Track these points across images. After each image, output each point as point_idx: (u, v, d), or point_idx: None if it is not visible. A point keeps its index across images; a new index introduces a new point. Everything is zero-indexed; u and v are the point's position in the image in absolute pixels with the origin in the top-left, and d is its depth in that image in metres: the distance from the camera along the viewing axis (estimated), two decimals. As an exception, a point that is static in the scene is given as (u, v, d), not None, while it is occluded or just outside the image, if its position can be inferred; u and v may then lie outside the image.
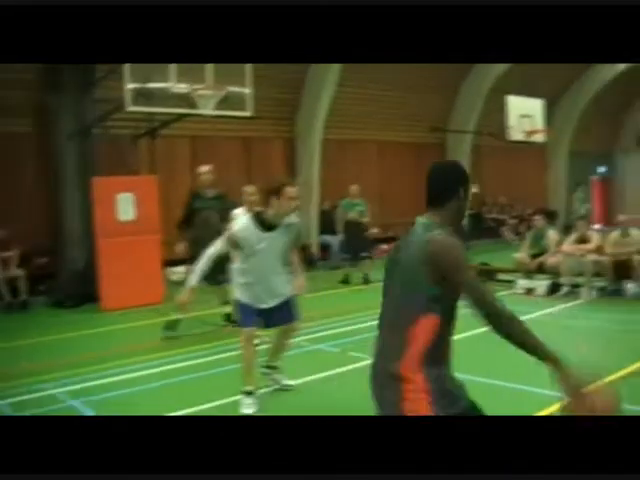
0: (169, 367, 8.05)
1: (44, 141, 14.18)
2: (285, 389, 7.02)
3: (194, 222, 10.08)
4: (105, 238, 12.62)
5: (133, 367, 8.05)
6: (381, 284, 3.35)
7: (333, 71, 17.71)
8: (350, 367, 7.76)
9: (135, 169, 14.50)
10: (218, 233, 8.62)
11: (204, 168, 10.53)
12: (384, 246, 20.60)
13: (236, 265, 6.63)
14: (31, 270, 13.83)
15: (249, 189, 8.87)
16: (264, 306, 6.50)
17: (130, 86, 12.00)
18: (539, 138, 20.29)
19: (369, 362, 3.36)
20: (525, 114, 19.59)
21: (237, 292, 6.61)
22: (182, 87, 12.47)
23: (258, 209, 6.64)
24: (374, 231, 15.87)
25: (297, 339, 8.69)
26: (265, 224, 6.24)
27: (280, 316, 6.66)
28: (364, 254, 14.84)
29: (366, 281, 14.44)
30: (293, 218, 6.43)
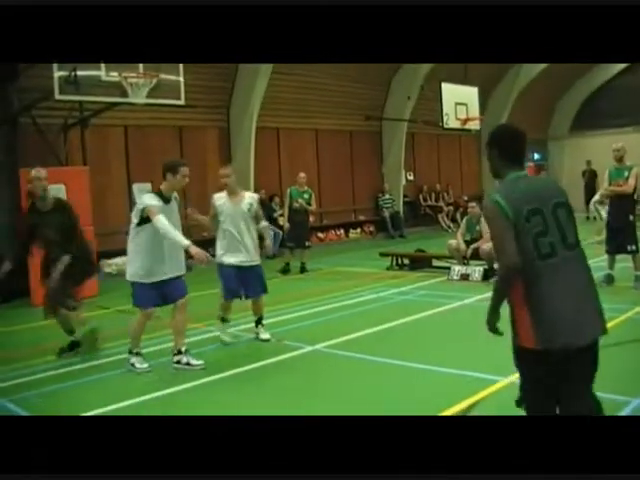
0: (103, 361, 7.91)
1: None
2: (194, 369, 7.31)
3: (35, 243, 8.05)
4: (35, 231, 12.29)
5: (65, 362, 7.87)
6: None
7: (267, 59, 17.53)
8: (286, 356, 7.73)
9: (65, 160, 14.18)
10: (62, 253, 7.78)
11: (39, 172, 7.87)
12: (320, 234, 20.65)
13: (135, 243, 7.21)
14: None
15: (226, 171, 8.52)
16: (158, 279, 7.15)
17: (58, 74, 11.73)
18: (474, 125, 20.48)
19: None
20: (460, 102, 19.74)
21: (131, 273, 7.23)
22: (113, 75, 12.25)
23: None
24: (311, 220, 15.81)
25: (233, 329, 8.63)
26: (163, 197, 7.15)
27: (175, 290, 7.31)
28: (307, 243, 14.76)
29: (303, 270, 14.38)
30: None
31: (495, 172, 3.89)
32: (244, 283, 8.22)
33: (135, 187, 16.67)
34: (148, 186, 16.75)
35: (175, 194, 7.44)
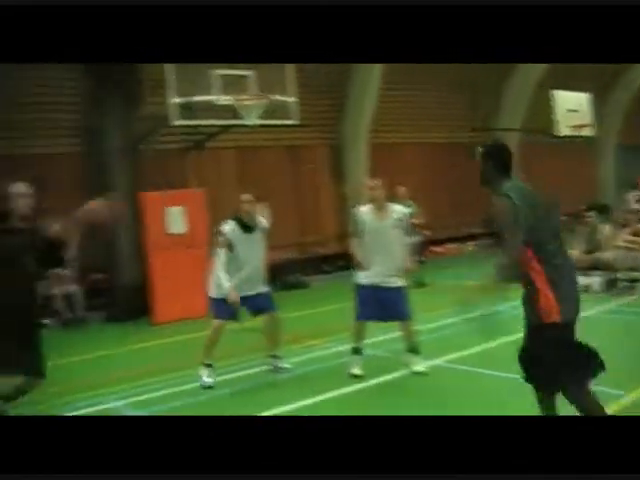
0: (223, 378, 8.05)
1: (93, 160, 14.39)
2: (282, 372, 8.05)
3: None
4: (156, 252, 12.74)
5: (186, 379, 8.06)
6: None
7: (375, 75, 17.64)
8: (406, 371, 7.67)
9: (182, 182, 14.63)
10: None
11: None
12: (436, 248, 20.46)
13: (217, 262, 7.70)
14: (87, 286, 14.07)
15: (374, 183, 7.76)
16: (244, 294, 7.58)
17: (175, 100, 12.13)
18: (587, 132, 19.96)
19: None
20: (572, 109, 19.29)
21: (212, 290, 7.74)
22: (226, 98, 12.57)
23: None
24: (427, 233, 15.57)
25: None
26: (244, 226, 7.59)
27: (256, 304, 7.78)
28: (418, 258, 14.34)
29: (420, 284, 14.13)
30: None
31: (487, 181, 4.64)
32: (384, 305, 7.47)
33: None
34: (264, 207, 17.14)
35: (261, 221, 7.78)
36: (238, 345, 9.24)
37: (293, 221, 17.90)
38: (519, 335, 8.68)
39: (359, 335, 7.77)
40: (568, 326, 4.35)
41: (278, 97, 13.20)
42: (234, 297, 7.41)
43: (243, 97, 12.75)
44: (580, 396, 4.35)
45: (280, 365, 8.13)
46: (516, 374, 7.09)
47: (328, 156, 18.85)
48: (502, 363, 7.64)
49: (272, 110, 13.25)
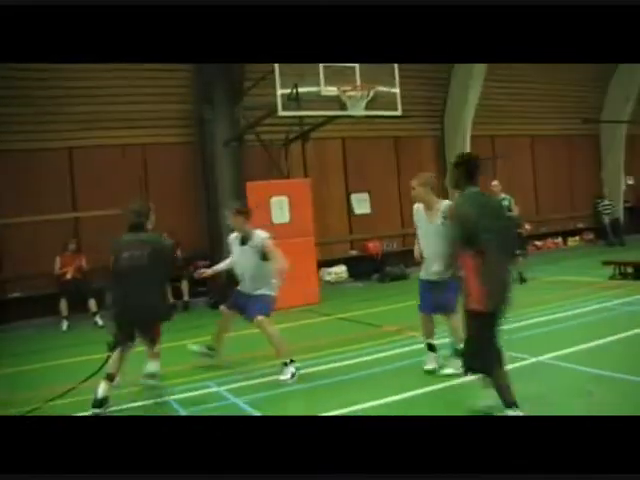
0: (323, 367, 8.17)
1: (202, 149, 14.75)
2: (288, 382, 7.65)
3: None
4: (260, 241, 12.92)
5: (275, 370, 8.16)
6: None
7: (479, 67, 17.43)
8: (510, 367, 7.51)
9: (287, 172, 14.82)
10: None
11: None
12: (537, 242, 20.12)
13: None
14: (192, 273, 14.42)
15: (411, 182, 7.53)
16: (242, 290, 8.37)
17: (281, 92, 12.25)
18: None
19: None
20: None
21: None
22: (331, 90, 12.61)
23: None
24: (527, 227, 15.26)
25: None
26: (241, 238, 8.29)
27: (248, 307, 8.10)
28: (517, 252, 14.01)
29: (522, 280, 13.91)
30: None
31: (457, 185, 5.56)
32: (436, 298, 7.41)
33: (353, 197, 17.13)
34: (365, 196, 17.22)
35: (254, 236, 8.12)
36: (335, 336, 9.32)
37: (396, 213, 17.89)
38: (629, 333, 8.45)
39: (427, 329, 7.68)
40: (492, 316, 5.25)
41: (383, 88, 13.15)
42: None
43: (348, 88, 12.76)
44: (493, 377, 5.42)
45: (281, 378, 7.70)
46: (622, 373, 6.94)
47: (432, 147, 18.75)
48: (604, 361, 7.45)
49: (377, 101, 13.23)
